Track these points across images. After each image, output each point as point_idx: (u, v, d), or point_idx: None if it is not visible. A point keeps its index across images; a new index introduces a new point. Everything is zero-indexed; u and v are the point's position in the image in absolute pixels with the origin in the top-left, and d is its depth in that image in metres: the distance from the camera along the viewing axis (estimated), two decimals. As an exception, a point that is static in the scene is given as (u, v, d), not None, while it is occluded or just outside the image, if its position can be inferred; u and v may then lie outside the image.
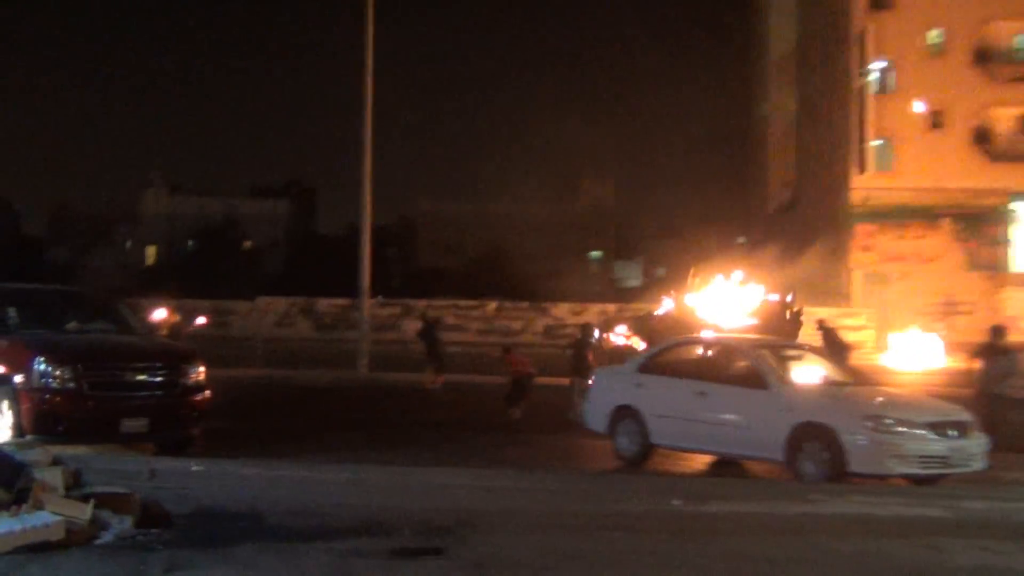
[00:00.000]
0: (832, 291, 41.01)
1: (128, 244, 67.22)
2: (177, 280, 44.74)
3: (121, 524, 7.16)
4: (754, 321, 20.90)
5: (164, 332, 18.65)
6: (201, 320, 24.89)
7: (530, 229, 50.36)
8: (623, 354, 19.26)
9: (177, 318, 23.11)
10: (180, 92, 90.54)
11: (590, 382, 15.06)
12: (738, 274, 25.47)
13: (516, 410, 17.66)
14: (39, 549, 6.54)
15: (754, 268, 37.26)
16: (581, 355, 18.12)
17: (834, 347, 21.22)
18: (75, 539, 6.79)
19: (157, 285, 41.78)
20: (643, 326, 22.47)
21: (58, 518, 6.87)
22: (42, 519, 6.88)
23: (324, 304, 31.46)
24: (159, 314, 22.30)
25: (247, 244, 58.44)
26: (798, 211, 48.82)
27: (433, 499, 9.08)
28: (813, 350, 15.69)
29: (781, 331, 19.23)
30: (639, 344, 21.92)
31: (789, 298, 23.81)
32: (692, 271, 24.80)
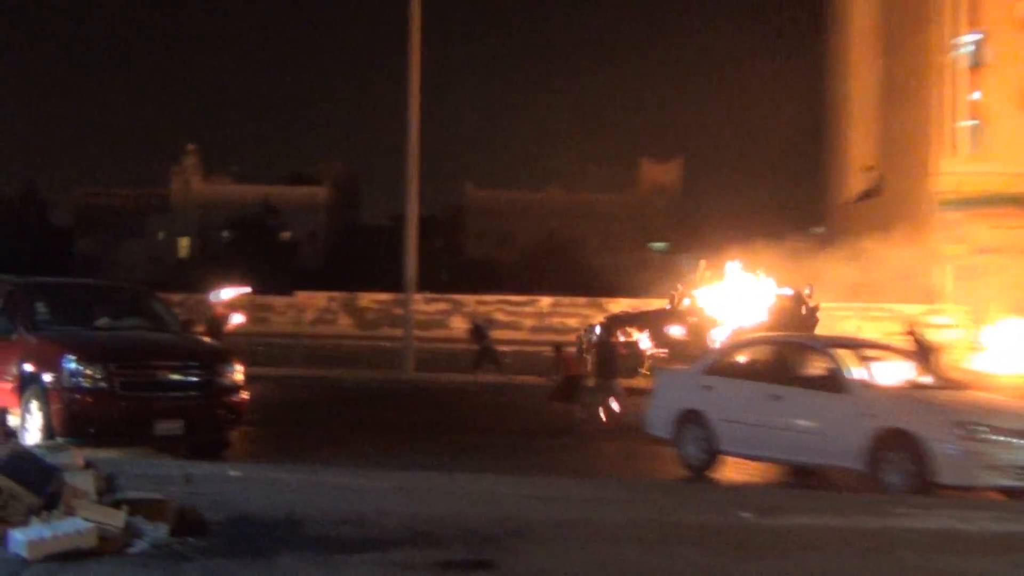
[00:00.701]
0: (919, 286, 40.45)
1: (160, 235, 68.29)
2: (211, 273, 45.52)
3: (156, 532, 7.33)
4: (765, 316, 20.78)
5: (201, 329, 18.90)
6: (239, 319, 25.23)
7: (587, 218, 50.39)
8: (612, 354, 19.04)
9: (225, 312, 23.51)
10: (215, 75, 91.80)
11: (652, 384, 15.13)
12: (749, 268, 25.62)
13: (577, 408, 17.68)
14: (71, 557, 6.72)
15: (829, 261, 36.99)
16: (608, 355, 18.12)
17: (922, 348, 21.03)
18: (108, 547, 6.97)
19: (190, 278, 42.53)
20: (650, 321, 22.32)
21: (90, 525, 7.06)
22: (74, 526, 7.07)
23: (366, 299, 31.77)
24: (226, 294, 22.66)
25: (285, 235, 59.16)
26: (880, 199, 48.20)
27: (484, 508, 9.15)
28: (896, 350, 15.59)
29: (795, 327, 19.10)
30: (646, 342, 21.90)
31: (807, 291, 23.69)
32: (702, 264, 24.70)
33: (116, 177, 70.54)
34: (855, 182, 50.21)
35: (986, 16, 41.33)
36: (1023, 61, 41.42)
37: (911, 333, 22.38)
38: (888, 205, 47.34)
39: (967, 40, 41.31)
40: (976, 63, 41.74)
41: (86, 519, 7.15)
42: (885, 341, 22.31)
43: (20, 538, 6.84)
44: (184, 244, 66.41)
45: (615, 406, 17.38)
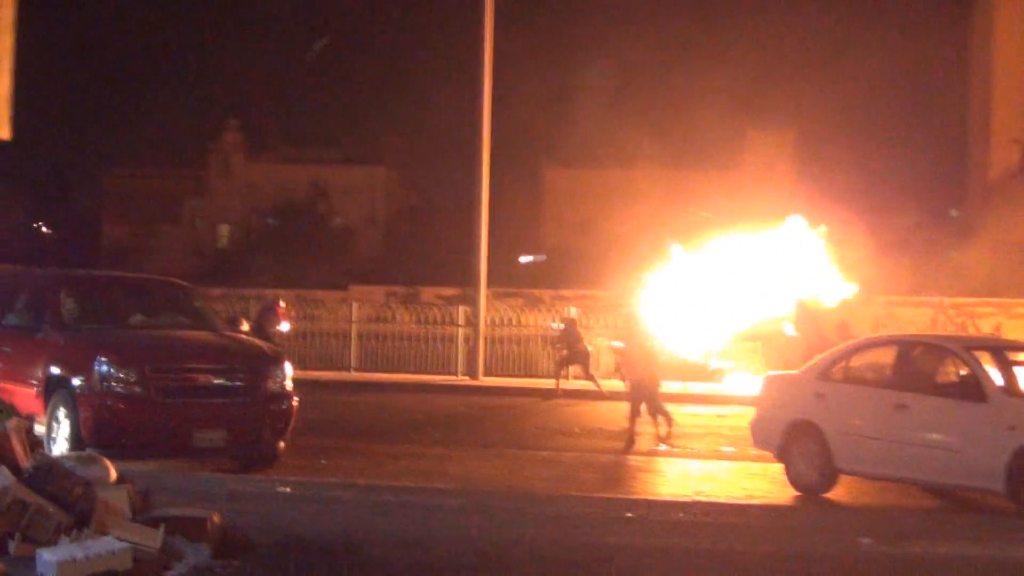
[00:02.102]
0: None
1: (197, 222, 69.27)
2: (255, 265, 46.27)
3: (197, 553, 7.62)
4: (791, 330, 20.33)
5: (247, 327, 19.23)
6: (285, 326, 25.73)
7: (682, 199, 50.06)
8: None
9: (284, 312, 24.18)
10: (260, 43, 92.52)
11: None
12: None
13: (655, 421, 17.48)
14: None
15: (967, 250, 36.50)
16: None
17: None
18: (144, 569, 7.25)
19: (231, 270, 43.28)
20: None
21: (125, 545, 7.32)
22: (107, 546, 7.32)
23: (429, 294, 31.97)
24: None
25: (338, 221, 59.83)
26: (1030, 176, 47.34)
27: (562, 530, 9.28)
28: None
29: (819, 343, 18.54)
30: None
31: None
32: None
33: (148, 156, 71.14)
34: (1001, 158, 49.30)
35: None
36: None
37: None
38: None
39: None
40: None
41: (120, 539, 7.39)
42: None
43: (49, 559, 7.09)
44: (224, 232, 67.31)
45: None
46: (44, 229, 60.96)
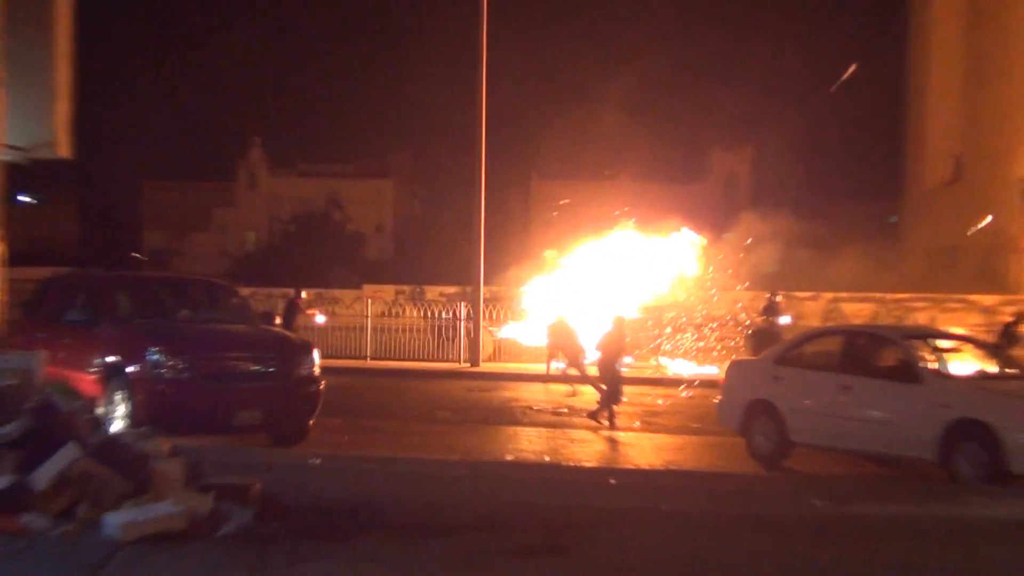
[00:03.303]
0: (1000, 275, 39.83)
1: (226, 229, 69.11)
2: (278, 267, 46.18)
3: (242, 516, 7.68)
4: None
5: (279, 321, 19.35)
6: (321, 319, 26.02)
7: (656, 208, 50.17)
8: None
9: (312, 311, 24.47)
10: (281, 70, 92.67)
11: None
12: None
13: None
14: (162, 539, 7.06)
15: (903, 251, 36.62)
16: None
17: (1009, 336, 20.71)
18: (196, 530, 7.32)
19: (258, 271, 43.24)
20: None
21: (180, 508, 7.43)
22: (164, 509, 7.44)
23: (433, 292, 32.04)
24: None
25: (351, 228, 59.59)
26: (962, 185, 47.38)
27: (558, 496, 9.35)
28: (974, 341, 15.51)
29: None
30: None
31: (778, 298, 23.51)
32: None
33: (183, 171, 71.16)
34: (935, 171, 49.38)
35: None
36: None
37: (1019, 321, 21.98)
38: (968, 191, 46.52)
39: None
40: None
41: (175, 503, 7.50)
42: (961, 331, 22.17)
43: (114, 521, 7.21)
44: (250, 238, 67.10)
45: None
46: (137, 255, 60.35)
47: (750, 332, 20.30)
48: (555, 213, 39.72)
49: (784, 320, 24.31)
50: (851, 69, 40.02)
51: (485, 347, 27.42)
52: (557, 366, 22.01)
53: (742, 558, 7.35)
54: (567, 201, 39.27)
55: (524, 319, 27.62)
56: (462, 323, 27.71)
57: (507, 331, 28.05)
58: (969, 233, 38.80)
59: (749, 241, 30.10)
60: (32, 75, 9.70)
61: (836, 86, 39.75)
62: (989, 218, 38.42)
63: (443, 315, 28.46)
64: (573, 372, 20.18)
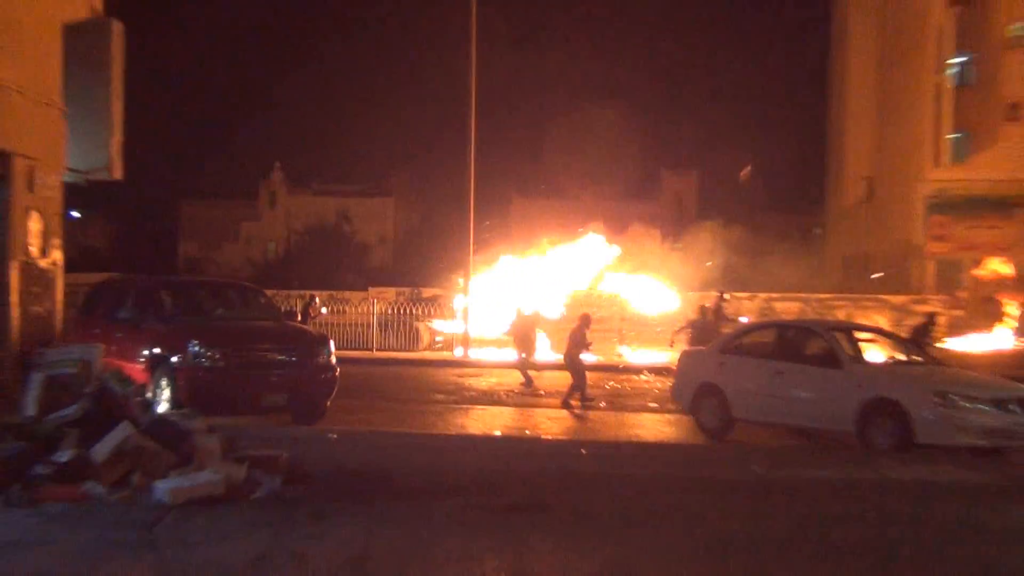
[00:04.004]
0: (906, 279, 40.25)
1: (251, 240, 68.89)
2: (296, 272, 46.07)
3: (272, 482, 7.73)
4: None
5: (299, 318, 19.37)
6: (324, 310, 26.23)
7: (617, 224, 50.27)
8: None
9: (318, 309, 24.59)
10: (300, 104, 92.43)
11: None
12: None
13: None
14: (204, 502, 7.10)
15: (827, 258, 36.83)
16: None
17: (922, 331, 20.86)
18: (233, 494, 7.38)
19: (278, 276, 43.12)
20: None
21: (218, 476, 7.47)
22: (206, 477, 7.48)
23: (428, 293, 32.05)
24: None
25: (358, 239, 59.53)
26: (873, 203, 47.80)
27: (539, 463, 9.41)
28: (885, 333, 15.68)
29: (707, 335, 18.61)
30: None
31: (726, 297, 23.70)
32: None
33: (213, 191, 70.91)
34: (851, 190, 49.84)
35: (971, 40, 40.86)
36: (1004, 80, 40.89)
37: (932, 318, 22.17)
38: (879, 208, 46.96)
39: (955, 61, 40.86)
40: (962, 82, 41.26)
41: (215, 472, 7.55)
42: (875, 325, 22.37)
43: (163, 487, 7.26)
44: (271, 248, 66.92)
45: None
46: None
47: (688, 327, 20.29)
48: (487, 223, 40.02)
49: (743, 319, 24.40)
50: (747, 168, 41.13)
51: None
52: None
53: (693, 512, 7.46)
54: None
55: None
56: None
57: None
58: (872, 277, 39.26)
59: (709, 263, 30.49)
60: (91, 110, 9.73)
61: (741, 177, 40.70)
62: (881, 274, 39.07)
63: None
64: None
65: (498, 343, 25.88)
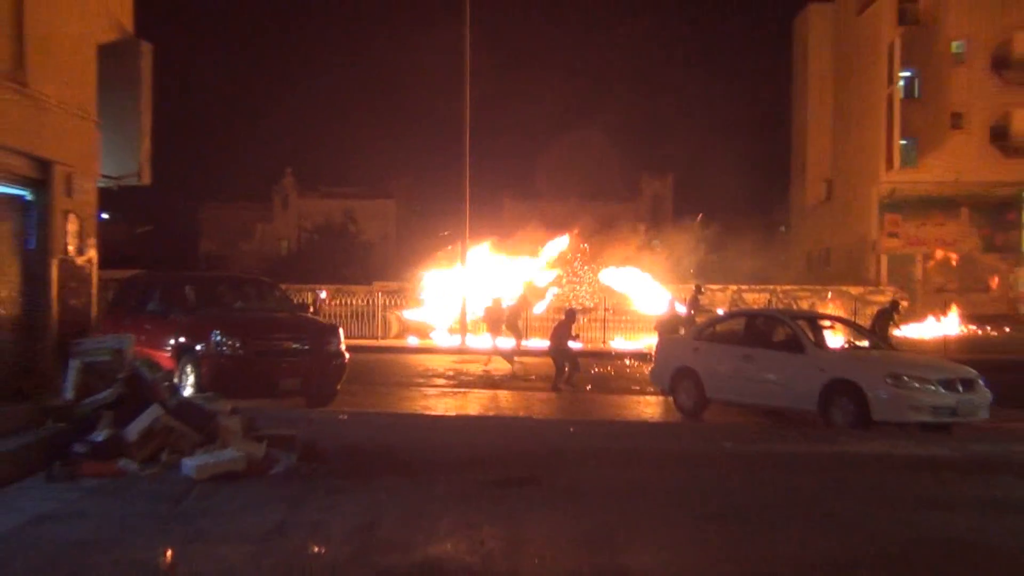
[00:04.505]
0: (863, 272, 40.51)
1: (265, 239, 68.73)
2: (306, 269, 45.98)
3: (289, 459, 7.78)
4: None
5: (311, 309, 19.32)
6: (323, 295, 26.55)
7: (601, 226, 50.24)
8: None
9: (323, 300, 24.68)
10: (310, 114, 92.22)
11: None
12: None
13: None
14: (227, 477, 7.15)
15: (791, 254, 36.91)
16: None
17: (887, 317, 20.91)
18: (254, 470, 7.42)
19: (289, 272, 43.04)
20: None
21: (240, 454, 7.51)
22: (228, 455, 7.51)
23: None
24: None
25: (362, 238, 59.42)
26: (832, 202, 48.02)
27: (530, 441, 9.46)
28: (844, 321, 15.77)
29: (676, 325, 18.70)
30: None
31: (702, 291, 23.79)
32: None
33: (231, 193, 70.85)
34: (813, 191, 50.06)
35: (917, 56, 41.17)
36: (948, 92, 41.20)
37: (896, 306, 22.27)
38: (838, 208, 47.17)
39: (904, 75, 41.17)
40: (911, 94, 41.60)
41: (237, 450, 7.58)
42: (835, 314, 22.48)
43: (190, 464, 7.31)
44: (284, 246, 66.77)
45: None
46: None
47: (657, 319, 20.29)
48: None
49: (719, 311, 24.44)
50: (699, 216, 42.19)
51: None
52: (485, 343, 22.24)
53: (670, 484, 7.52)
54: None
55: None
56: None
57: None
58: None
59: (687, 262, 30.73)
60: (122, 122, 9.72)
61: (696, 222, 41.48)
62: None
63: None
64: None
65: (450, 330, 26.26)
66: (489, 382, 17.65)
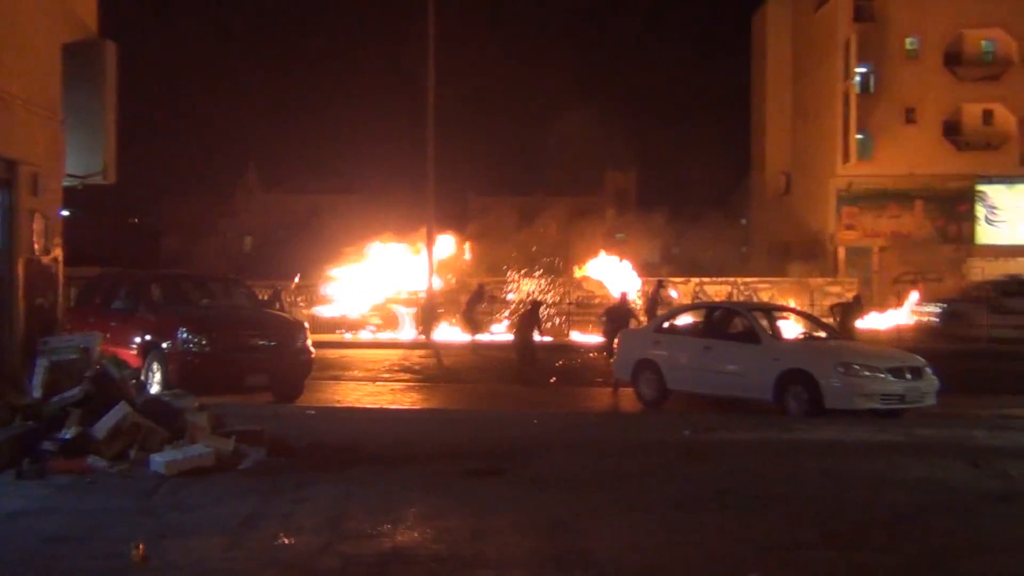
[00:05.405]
0: (820, 263, 41.14)
1: (228, 235, 68.03)
2: (269, 265, 45.67)
3: (257, 454, 7.81)
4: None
5: (277, 307, 19.30)
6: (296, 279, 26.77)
7: (565, 219, 50.37)
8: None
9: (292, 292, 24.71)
10: (274, 109, 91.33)
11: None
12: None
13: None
14: (196, 473, 7.17)
15: (750, 246, 37.43)
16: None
17: (855, 309, 21.29)
18: (223, 465, 7.45)
19: (253, 268, 42.75)
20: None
21: (209, 450, 7.54)
22: (197, 450, 7.53)
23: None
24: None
25: (326, 234, 59.15)
26: (791, 196, 48.69)
27: (496, 432, 9.57)
28: (799, 312, 16.09)
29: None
30: None
31: (665, 284, 24.08)
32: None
33: (193, 188, 70.00)
34: (772, 184, 50.69)
35: (873, 52, 41.89)
36: (901, 87, 41.97)
37: (859, 300, 22.65)
38: (796, 201, 47.84)
39: (859, 70, 41.85)
40: (866, 89, 42.31)
41: (205, 445, 7.60)
42: (790, 305, 22.87)
43: (159, 460, 7.32)
44: (248, 242, 66.21)
45: None
46: None
47: (605, 312, 20.27)
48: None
49: (673, 294, 24.63)
50: (620, 236, 42.92)
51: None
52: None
53: (632, 471, 7.66)
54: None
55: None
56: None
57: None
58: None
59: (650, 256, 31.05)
60: (87, 121, 9.72)
61: (617, 238, 42.10)
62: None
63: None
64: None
65: (358, 325, 26.65)
66: (448, 375, 17.73)
